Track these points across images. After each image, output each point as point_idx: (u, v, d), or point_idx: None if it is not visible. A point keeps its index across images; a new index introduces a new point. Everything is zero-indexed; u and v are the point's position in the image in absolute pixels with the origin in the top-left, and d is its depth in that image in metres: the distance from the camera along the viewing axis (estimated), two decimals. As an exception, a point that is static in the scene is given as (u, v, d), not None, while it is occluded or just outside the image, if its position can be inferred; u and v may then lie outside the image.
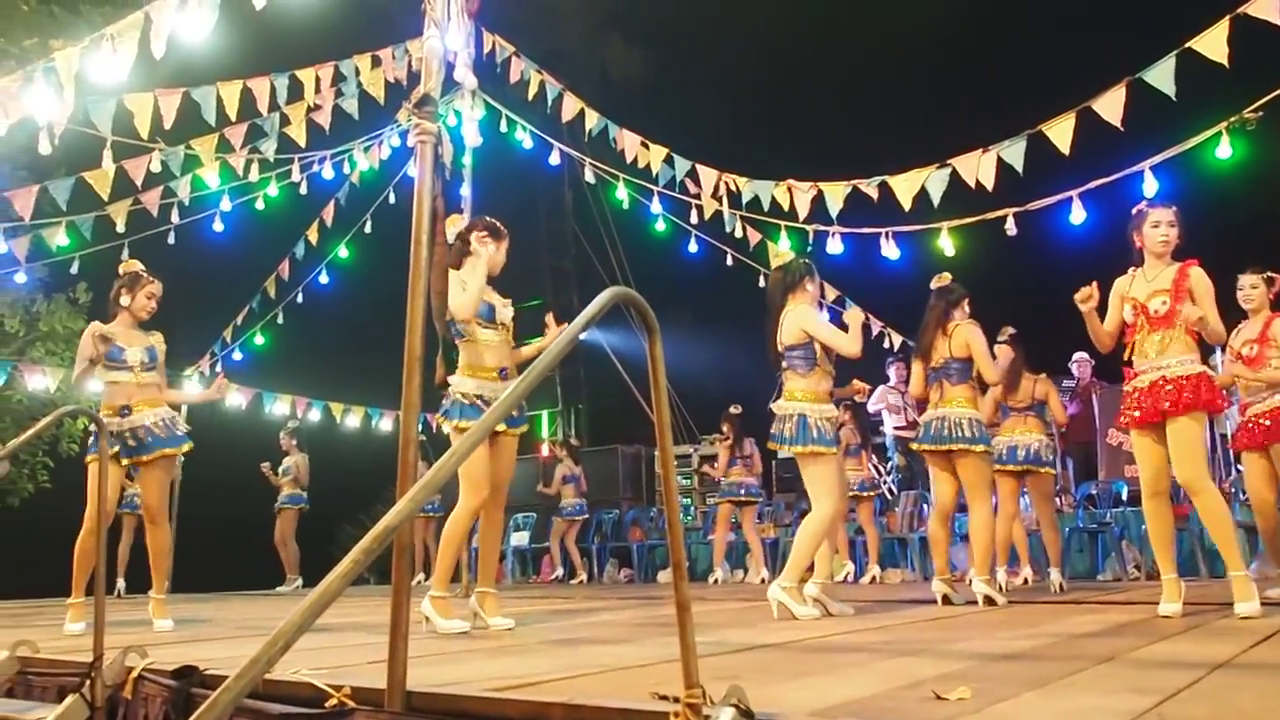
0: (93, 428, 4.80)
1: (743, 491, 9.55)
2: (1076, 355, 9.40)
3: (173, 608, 4.96)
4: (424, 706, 2.14)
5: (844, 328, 4.74)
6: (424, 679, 2.35)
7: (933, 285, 5.61)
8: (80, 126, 6.01)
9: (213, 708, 1.19)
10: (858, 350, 4.70)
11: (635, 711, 1.88)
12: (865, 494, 9.04)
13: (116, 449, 4.92)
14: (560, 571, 11.26)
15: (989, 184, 6.17)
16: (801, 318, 4.75)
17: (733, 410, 9.86)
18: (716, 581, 9.51)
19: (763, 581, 9.36)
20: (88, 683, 2.77)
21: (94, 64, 4.53)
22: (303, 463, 10.64)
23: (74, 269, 9.24)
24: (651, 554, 11.41)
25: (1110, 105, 5.53)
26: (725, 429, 9.85)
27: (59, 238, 8.26)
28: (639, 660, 2.89)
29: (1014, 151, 6.01)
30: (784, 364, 4.77)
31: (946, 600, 5.23)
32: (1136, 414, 4.23)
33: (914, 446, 5.93)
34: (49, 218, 8.01)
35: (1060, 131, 5.76)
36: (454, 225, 4.56)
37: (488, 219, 4.57)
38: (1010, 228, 6.39)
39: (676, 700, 1.79)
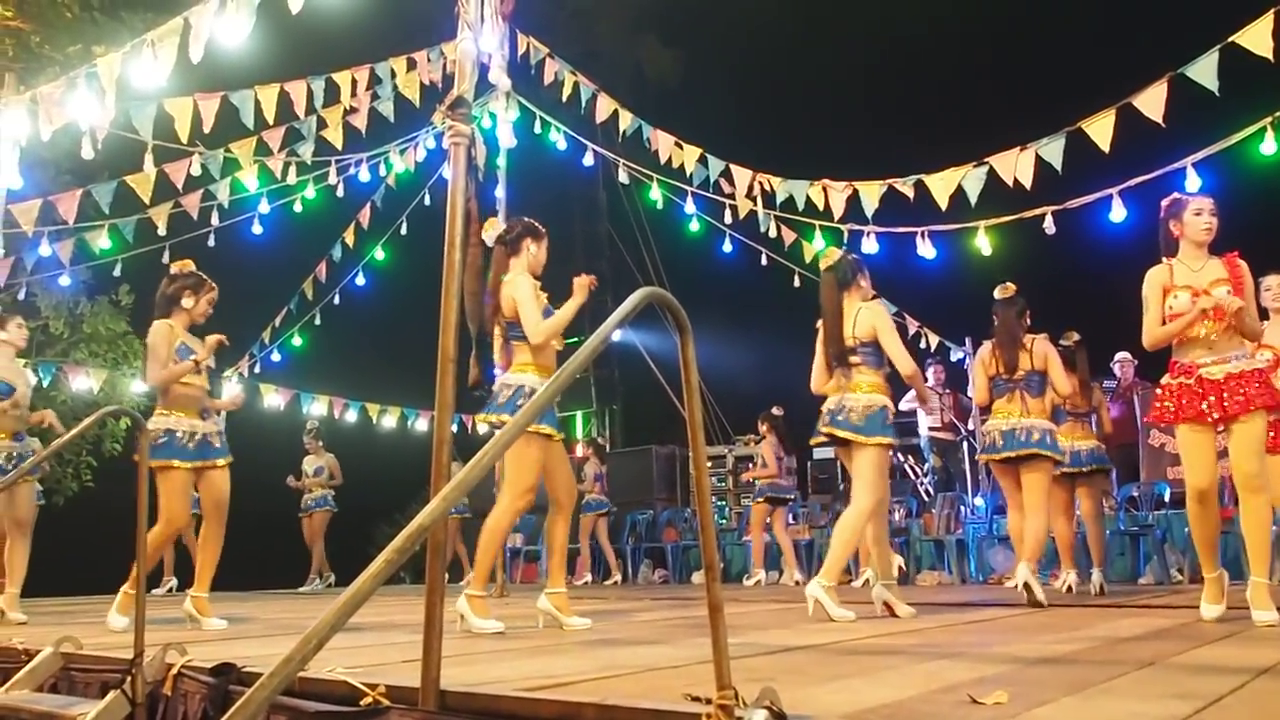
0: (160, 431, 4.82)
1: (775, 491, 9.59)
2: (1119, 355, 9.27)
3: (213, 605, 4.99)
4: (458, 705, 2.15)
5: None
6: (458, 678, 2.36)
7: (997, 295, 5.67)
8: (122, 131, 6.10)
9: (247, 705, 1.21)
10: (911, 370, 4.80)
11: (667, 712, 1.88)
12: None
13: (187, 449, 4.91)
14: (589, 577, 11.28)
15: (1027, 182, 6.11)
16: (878, 317, 4.81)
17: (774, 411, 9.90)
18: (758, 583, 9.51)
19: (797, 583, 9.36)
20: (129, 679, 2.80)
21: (135, 69, 4.59)
22: (333, 462, 10.76)
23: (116, 271, 9.38)
24: (686, 555, 11.39)
25: (1151, 101, 5.45)
26: (764, 429, 9.86)
27: (101, 240, 8.39)
28: (672, 661, 2.89)
29: (1053, 149, 5.95)
30: (856, 357, 4.79)
31: (1029, 590, 5.19)
32: (1204, 407, 3.95)
33: (983, 457, 5.89)
34: (92, 221, 8.13)
35: (1100, 128, 5.69)
36: (492, 229, 4.58)
37: (526, 219, 4.59)
38: (1049, 226, 6.32)
39: (709, 701, 1.79)
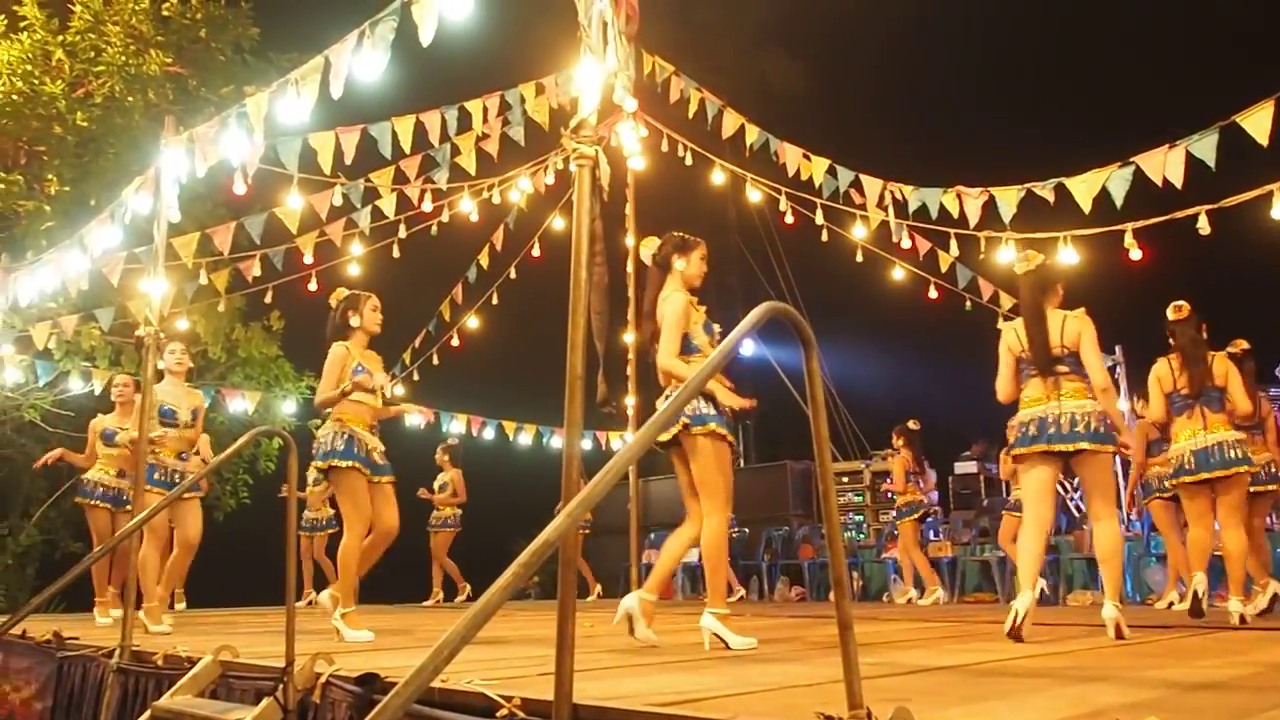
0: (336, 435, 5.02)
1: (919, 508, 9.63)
2: (1287, 362, 8.76)
3: (360, 618, 5.15)
4: (590, 719, 2.18)
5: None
6: (591, 692, 2.38)
7: (1172, 316, 5.56)
8: (270, 165, 6.42)
9: (383, 713, 1.25)
10: (1106, 384, 4.59)
11: (799, 731, 1.86)
12: (909, 517, 9.51)
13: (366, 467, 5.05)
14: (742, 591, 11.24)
15: (1178, 181, 5.82)
16: (1086, 327, 4.62)
17: (910, 425, 9.75)
18: (910, 601, 9.37)
19: (937, 602, 9.17)
20: (281, 687, 2.93)
21: (280, 107, 4.82)
22: (458, 478, 10.99)
23: (268, 298, 9.84)
24: (823, 572, 11.22)
25: (1313, 91, 5.14)
26: (899, 443, 9.73)
27: (254, 269, 8.84)
28: (806, 680, 2.85)
29: (1204, 145, 5.65)
30: (1063, 366, 4.61)
31: (1243, 620, 5.07)
32: None
33: (1172, 483, 5.64)
34: (245, 251, 8.57)
35: (1257, 121, 5.38)
36: (647, 247, 4.62)
37: (674, 234, 4.61)
38: (1204, 226, 6.00)
39: (840, 721, 1.76)
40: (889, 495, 9.99)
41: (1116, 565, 4.56)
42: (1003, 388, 4.82)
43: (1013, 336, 4.77)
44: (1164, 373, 5.62)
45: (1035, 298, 4.72)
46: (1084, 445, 4.47)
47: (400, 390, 10.75)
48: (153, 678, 3.75)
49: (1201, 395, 5.42)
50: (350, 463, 4.95)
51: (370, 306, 5.27)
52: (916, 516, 9.61)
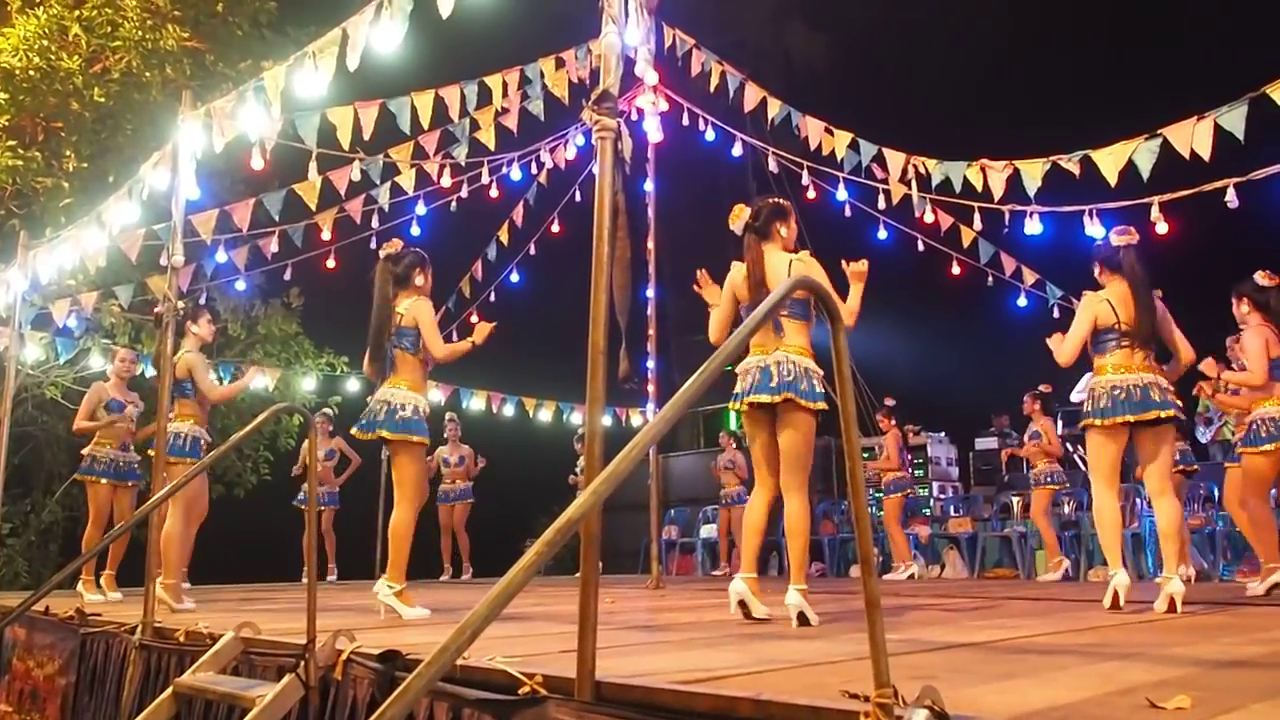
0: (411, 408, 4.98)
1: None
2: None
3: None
4: (613, 697, 2.16)
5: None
6: (613, 669, 2.37)
7: (1267, 283, 5.70)
8: (288, 141, 6.39)
9: (406, 692, 1.23)
10: (1192, 357, 4.94)
11: (824, 709, 1.84)
12: (897, 494, 9.71)
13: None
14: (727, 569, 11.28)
15: (1205, 154, 5.71)
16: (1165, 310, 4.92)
17: (888, 402, 9.89)
18: (912, 577, 9.32)
19: (911, 577, 9.39)
20: (302, 663, 2.93)
21: (298, 81, 4.79)
22: (470, 453, 11.04)
23: (287, 275, 9.84)
24: (844, 548, 11.22)
25: (1346, 60, 5.02)
26: (886, 423, 9.88)
27: (273, 246, 8.83)
28: (829, 657, 2.83)
29: (1233, 117, 5.53)
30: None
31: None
32: None
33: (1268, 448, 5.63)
34: (264, 228, 8.56)
35: (1288, 92, 5.27)
36: (739, 218, 4.54)
37: (767, 199, 4.55)
38: (1231, 200, 5.90)
39: (867, 699, 1.74)
40: (873, 473, 10.06)
41: (1176, 541, 4.63)
42: (1071, 354, 4.89)
43: (1105, 307, 4.82)
44: (1273, 338, 5.65)
45: (1140, 271, 4.82)
46: (1167, 413, 4.60)
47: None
48: (174, 654, 3.76)
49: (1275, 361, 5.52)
50: (421, 437, 4.93)
51: (430, 274, 5.24)
52: (904, 493, 9.71)
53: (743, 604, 4.09)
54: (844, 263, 4.58)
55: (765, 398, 4.23)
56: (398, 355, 5.05)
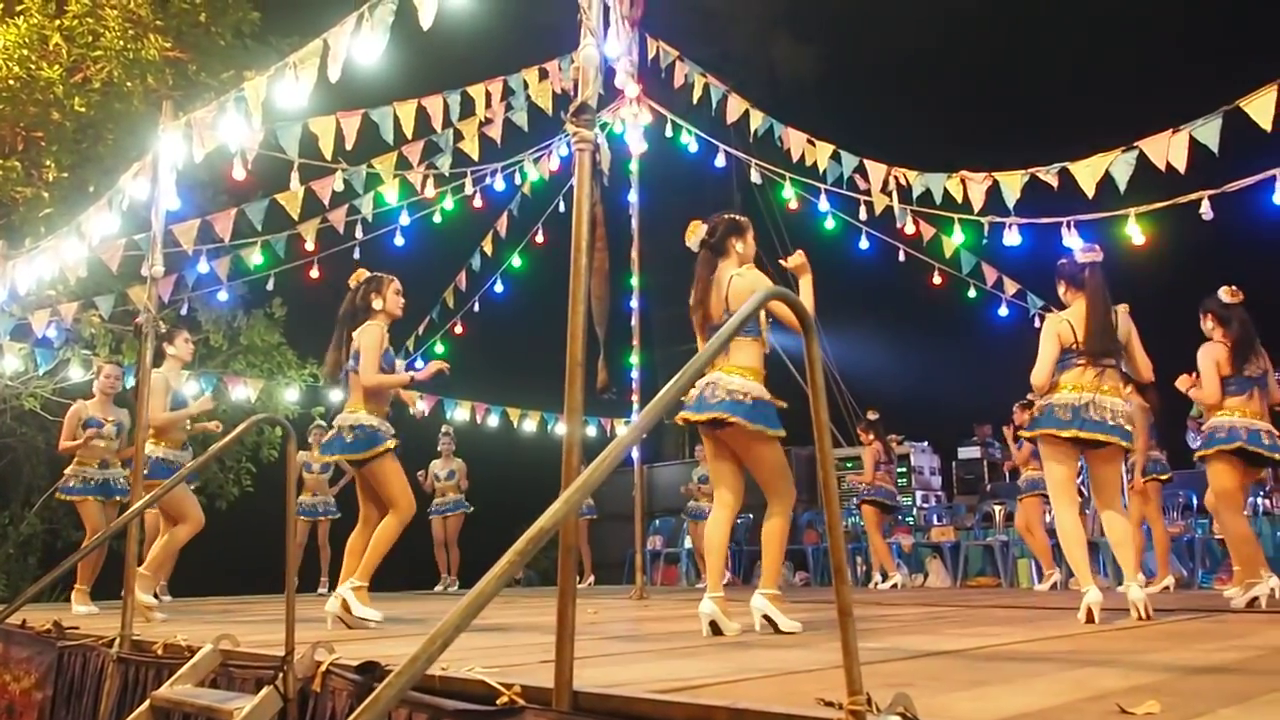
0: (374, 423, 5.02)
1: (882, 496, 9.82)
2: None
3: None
4: (590, 706, 2.17)
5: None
6: (592, 679, 2.38)
7: (1227, 299, 5.70)
8: (270, 151, 6.38)
9: (375, 702, 1.24)
10: (1151, 378, 5.13)
11: (799, 717, 1.85)
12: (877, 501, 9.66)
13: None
14: (728, 575, 11.29)
15: (1180, 166, 5.78)
16: (1130, 324, 4.99)
17: (870, 416, 9.91)
18: (895, 586, 9.34)
19: (893, 586, 9.35)
20: (281, 675, 2.92)
21: (279, 91, 4.79)
22: (463, 467, 11.05)
23: (269, 286, 9.81)
24: (827, 557, 11.24)
25: (1318, 74, 5.09)
26: (867, 436, 9.93)
27: (255, 257, 8.81)
28: (806, 665, 2.84)
29: (1208, 130, 5.60)
30: (1111, 360, 4.85)
31: (1273, 598, 5.30)
32: None
33: (1234, 446, 5.59)
34: (246, 238, 8.54)
35: (1261, 106, 5.33)
36: (694, 234, 4.53)
37: (724, 216, 4.53)
38: (1206, 212, 5.96)
39: (841, 707, 1.75)
40: (854, 484, 10.10)
41: (1129, 549, 4.68)
42: (1043, 376, 4.86)
43: (1065, 327, 4.85)
44: (1222, 357, 5.71)
45: (1104, 289, 4.86)
46: (1114, 440, 4.62)
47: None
48: (153, 667, 3.74)
49: (1259, 378, 5.60)
50: (385, 445, 4.98)
51: (393, 290, 5.24)
52: (880, 502, 9.71)
53: (713, 624, 4.05)
54: (781, 260, 4.56)
55: (691, 415, 4.23)
56: (351, 378, 5.16)
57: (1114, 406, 4.65)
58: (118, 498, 7.15)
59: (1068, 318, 4.89)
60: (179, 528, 6.23)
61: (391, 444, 4.96)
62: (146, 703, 3.33)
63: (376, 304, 5.18)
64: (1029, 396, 9.06)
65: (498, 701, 2.28)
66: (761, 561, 4.32)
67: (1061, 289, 5.08)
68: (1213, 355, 5.74)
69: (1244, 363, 5.63)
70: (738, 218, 4.53)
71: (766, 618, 4.09)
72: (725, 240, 4.45)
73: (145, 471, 6.08)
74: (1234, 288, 5.77)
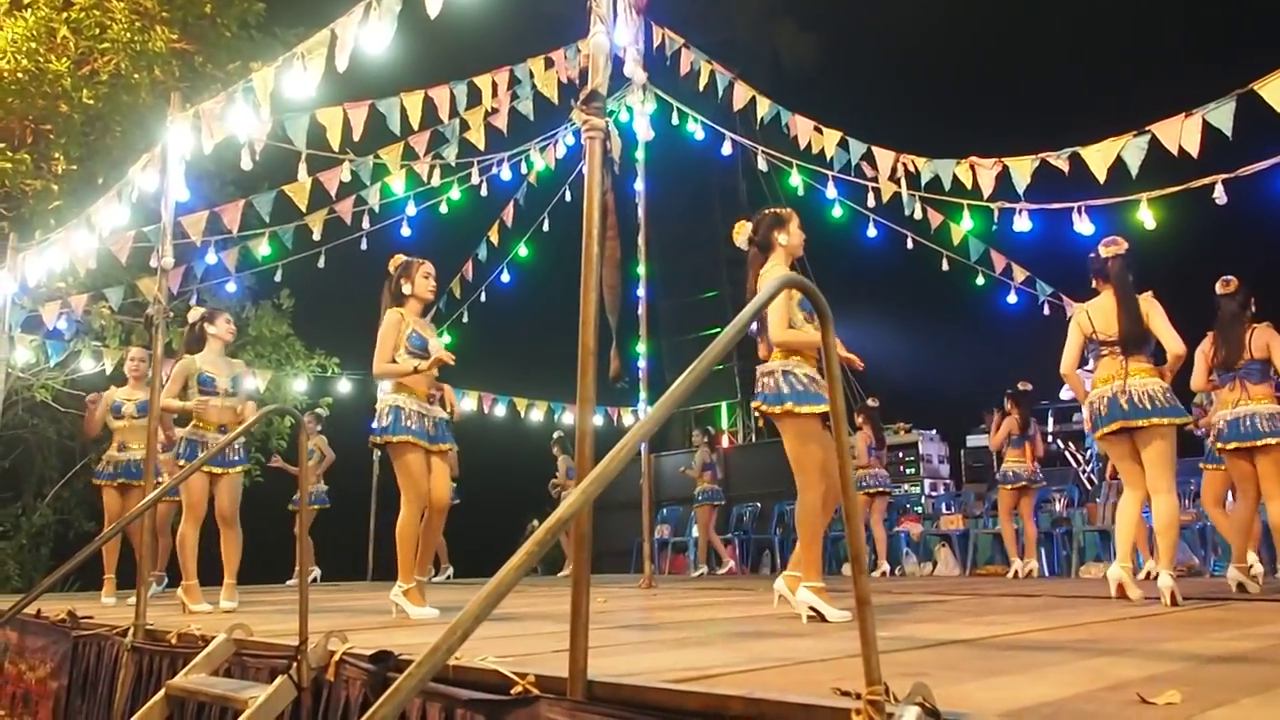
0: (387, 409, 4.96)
1: (875, 483, 9.80)
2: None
3: (373, 595, 5.14)
4: (605, 696, 2.16)
5: None
6: (606, 669, 2.37)
7: (1220, 290, 5.73)
8: (278, 142, 6.37)
9: (397, 693, 1.23)
10: (1184, 352, 5.06)
11: (816, 707, 1.84)
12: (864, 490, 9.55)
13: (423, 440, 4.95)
14: (704, 569, 11.35)
15: (1193, 150, 5.74)
16: (1155, 309, 5.07)
17: (870, 403, 9.91)
18: (884, 575, 9.42)
19: (883, 574, 9.50)
20: (295, 665, 2.93)
21: (287, 82, 4.78)
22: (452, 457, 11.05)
23: (277, 277, 9.84)
24: (835, 546, 11.23)
25: (1333, 57, 5.05)
26: (860, 420, 9.89)
27: (263, 248, 8.82)
28: (821, 655, 2.83)
29: (1221, 114, 5.57)
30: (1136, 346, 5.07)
31: (1242, 589, 5.40)
32: None
33: (1219, 447, 5.66)
34: (254, 229, 8.54)
35: (1275, 89, 5.29)
36: (741, 234, 4.51)
37: (767, 210, 4.52)
38: (1220, 196, 5.93)
39: (858, 696, 1.74)
40: None
41: (1172, 537, 4.85)
42: (1066, 365, 5.23)
43: (1083, 317, 5.15)
44: (1208, 346, 5.79)
45: (1128, 279, 5.09)
46: (1152, 420, 4.83)
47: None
48: (167, 656, 3.75)
49: (1242, 368, 5.55)
50: (402, 437, 4.85)
51: (422, 274, 5.15)
52: (873, 490, 9.69)
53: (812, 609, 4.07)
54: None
55: (761, 405, 4.32)
56: None
57: (1146, 388, 4.86)
58: (138, 481, 7.17)
59: (1086, 308, 5.13)
60: (183, 525, 6.13)
61: (398, 438, 4.87)
62: (162, 692, 3.34)
63: (405, 289, 5.14)
64: (1019, 385, 9.05)
65: (512, 691, 2.28)
66: (802, 551, 4.28)
67: (1094, 283, 5.32)
68: (1201, 346, 5.83)
69: (1228, 354, 5.64)
70: (779, 210, 4.51)
71: (813, 609, 4.06)
72: (769, 235, 4.45)
73: (177, 452, 6.12)
74: (1226, 278, 5.78)
